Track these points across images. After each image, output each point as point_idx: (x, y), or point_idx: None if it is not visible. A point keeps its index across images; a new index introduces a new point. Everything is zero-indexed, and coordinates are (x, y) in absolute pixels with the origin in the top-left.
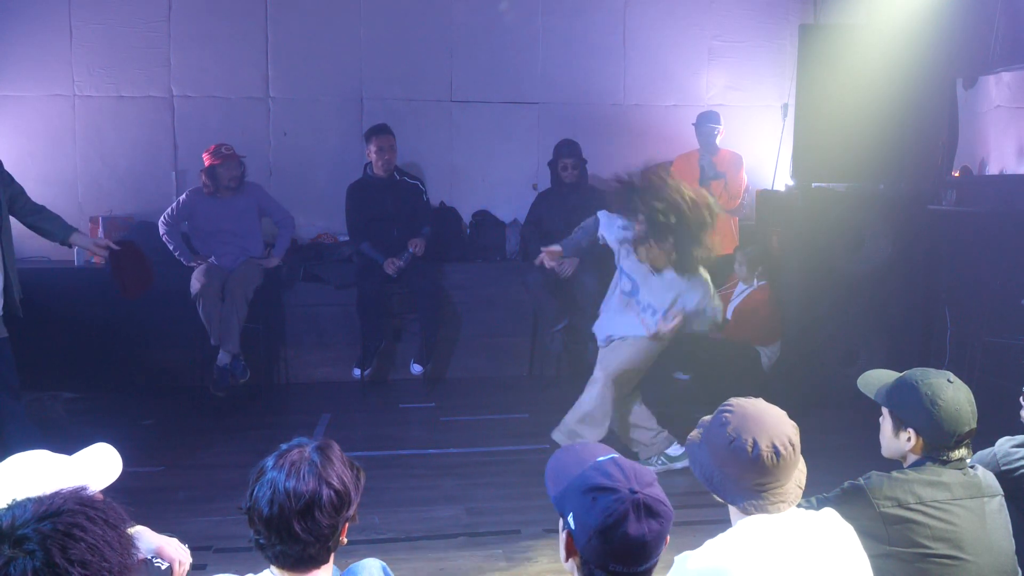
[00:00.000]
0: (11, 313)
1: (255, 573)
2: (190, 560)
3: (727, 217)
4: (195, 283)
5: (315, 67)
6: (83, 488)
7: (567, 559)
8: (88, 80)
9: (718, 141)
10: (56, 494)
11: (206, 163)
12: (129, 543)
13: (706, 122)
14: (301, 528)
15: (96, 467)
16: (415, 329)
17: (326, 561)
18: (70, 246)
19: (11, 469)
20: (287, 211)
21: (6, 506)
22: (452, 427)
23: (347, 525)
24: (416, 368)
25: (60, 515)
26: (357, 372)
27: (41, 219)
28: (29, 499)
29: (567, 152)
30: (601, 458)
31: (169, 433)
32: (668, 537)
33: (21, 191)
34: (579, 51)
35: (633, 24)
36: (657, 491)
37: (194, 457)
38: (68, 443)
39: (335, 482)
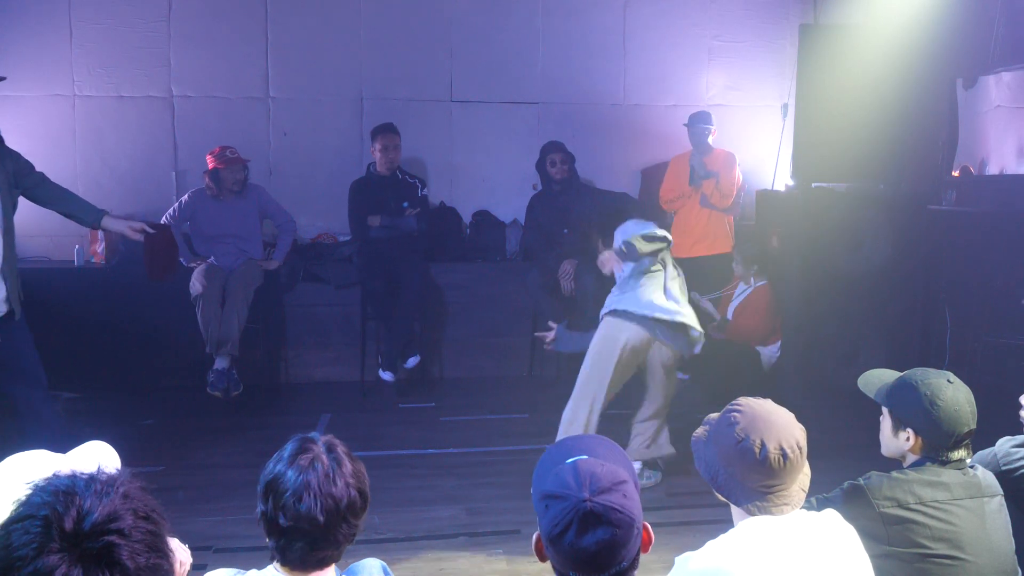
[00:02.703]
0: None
1: (258, 570)
2: (191, 560)
3: (721, 216)
4: (196, 285)
5: (315, 67)
6: (132, 483)
7: (542, 561)
8: (88, 80)
9: (710, 140)
10: (114, 487)
11: (209, 166)
12: (167, 545)
13: (697, 122)
14: (342, 533)
15: (96, 464)
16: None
17: (338, 559)
18: (101, 230)
19: (10, 469)
20: (289, 214)
21: (60, 491)
22: (452, 427)
23: None
24: (411, 361)
25: (121, 519)
26: (389, 376)
27: (68, 205)
28: (86, 487)
29: (553, 148)
30: (568, 460)
31: (169, 433)
32: (651, 536)
33: (42, 178)
34: (579, 51)
35: (633, 24)
36: (613, 497)
37: (194, 457)
38: (68, 443)
39: (356, 483)
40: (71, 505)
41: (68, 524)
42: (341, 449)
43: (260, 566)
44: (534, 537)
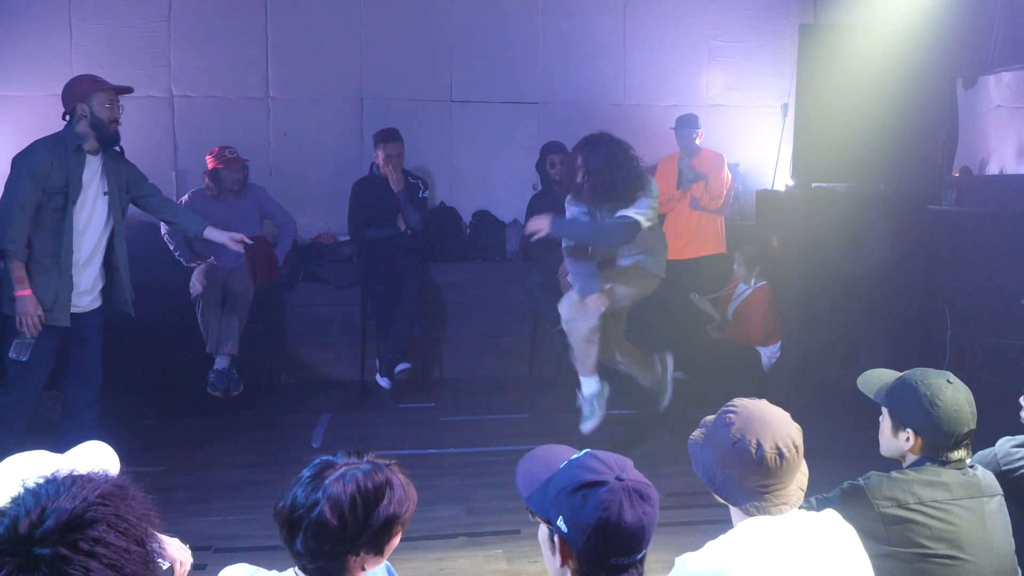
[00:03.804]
0: (119, 311)
1: (279, 572)
2: (191, 560)
3: (712, 217)
4: (196, 285)
5: (315, 67)
6: (121, 487)
7: (562, 564)
8: None
9: (698, 143)
10: (90, 490)
11: (209, 166)
12: (150, 560)
13: (684, 127)
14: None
15: (95, 466)
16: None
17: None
18: (204, 240)
19: (9, 469)
20: (289, 215)
21: (31, 491)
22: (452, 427)
23: None
24: (400, 367)
25: (86, 527)
26: (385, 382)
27: (175, 215)
28: (60, 489)
29: (553, 149)
30: (576, 456)
31: (169, 433)
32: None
33: (155, 189)
34: (579, 51)
35: (633, 24)
36: (640, 475)
37: (194, 457)
38: (67, 444)
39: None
40: (36, 507)
41: (23, 527)
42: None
43: (260, 566)
44: (556, 540)
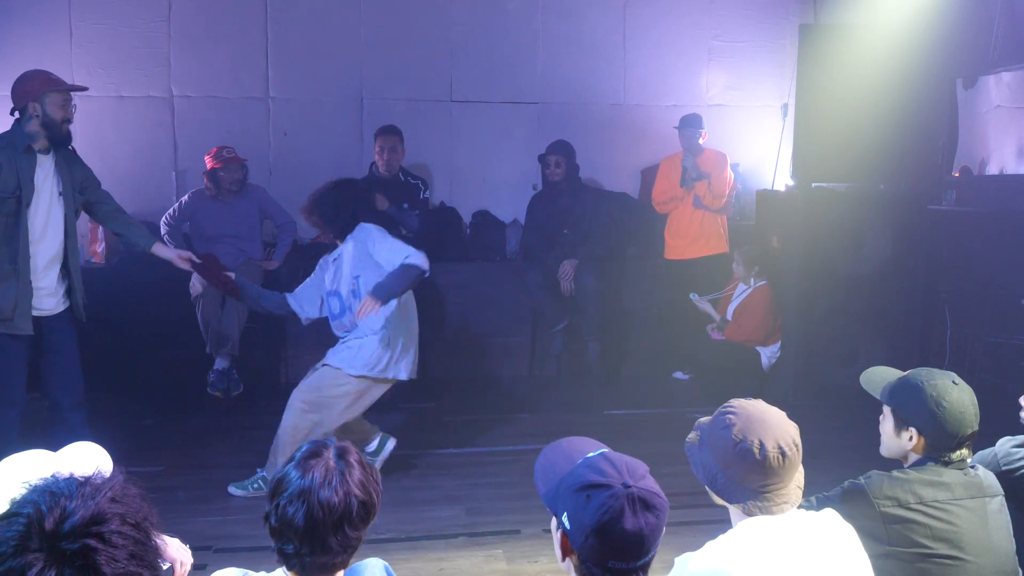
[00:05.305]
0: (75, 316)
1: (268, 572)
2: (191, 560)
3: (714, 217)
4: (196, 285)
5: (315, 67)
6: (123, 486)
7: (563, 559)
8: (88, 80)
9: (701, 142)
10: (102, 488)
11: (208, 166)
12: (157, 555)
13: (687, 126)
14: (336, 542)
15: (89, 467)
16: None
17: (346, 566)
18: (152, 255)
19: (8, 468)
20: (289, 215)
21: (46, 490)
22: (452, 427)
23: None
24: None
25: (107, 522)
26: None
27: (124, 226)
28: (73, 488)
29: (552, 150)
30: (591, 454)
31: (169, 433)
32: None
33: (106, 196)
34: (579, 51)
35: (633, 24)
36: (651, 483)
37: (194, 457)
38: (59, 447)
39: (360, 492)
40: (56, 505)
41: (49, 524)
42: (353, 456)
43: (259, 566)
44: (559, 534)
